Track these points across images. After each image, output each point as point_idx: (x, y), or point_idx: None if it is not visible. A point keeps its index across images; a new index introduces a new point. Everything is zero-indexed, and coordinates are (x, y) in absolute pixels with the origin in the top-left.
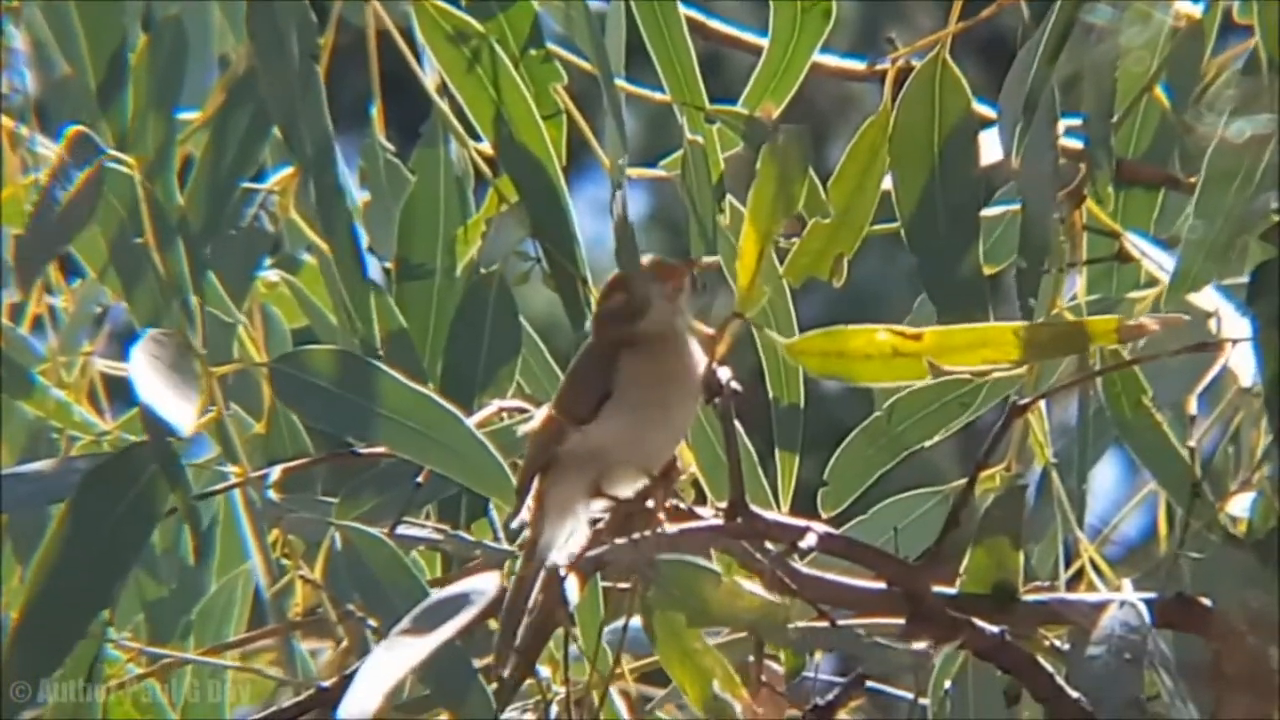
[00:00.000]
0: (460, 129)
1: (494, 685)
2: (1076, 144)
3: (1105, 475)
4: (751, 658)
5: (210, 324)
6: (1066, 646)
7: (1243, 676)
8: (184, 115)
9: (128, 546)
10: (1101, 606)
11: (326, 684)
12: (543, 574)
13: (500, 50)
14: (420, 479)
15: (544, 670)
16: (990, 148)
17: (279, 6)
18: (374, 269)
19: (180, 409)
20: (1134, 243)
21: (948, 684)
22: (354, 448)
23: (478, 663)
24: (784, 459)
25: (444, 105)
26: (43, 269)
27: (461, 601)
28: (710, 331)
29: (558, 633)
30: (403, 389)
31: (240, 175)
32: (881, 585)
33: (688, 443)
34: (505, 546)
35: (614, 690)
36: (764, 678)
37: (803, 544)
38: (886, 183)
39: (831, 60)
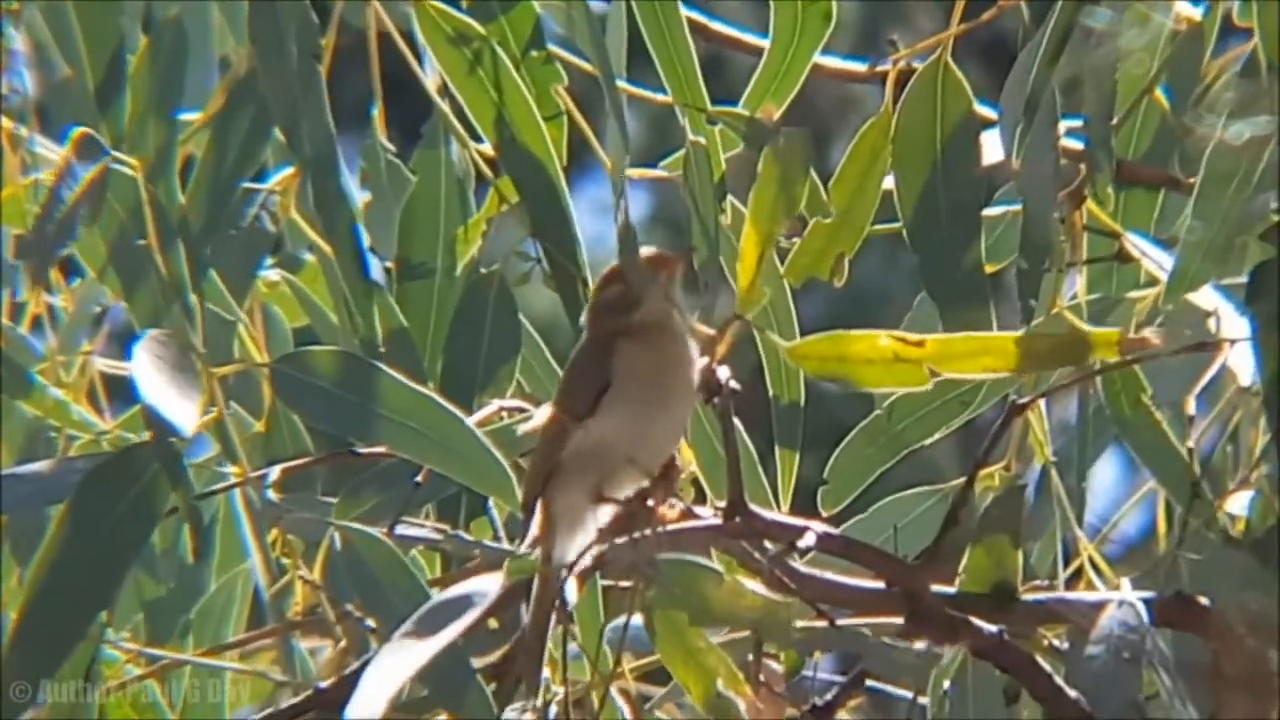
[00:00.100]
0: (461, 130)
1: (493, 686)
2: (1077, 145)
3: (1104, 474)
4: (751, 657)
5: (211, 323)
6: (1065, 646)
7: (1241, 676)
8: (185, 116)
9: (128, 546)
10: (1100, 606)
11: (325, 684)
12: (555, 585)
13: (501, 51)
14: (420, 478)
15: (544, 671)
16: (991, 148)
17: (280, 7)
18: (375, 269)
19: (182, 409)
20: (1134, 243)
21: (947, 684)
22: (354, 447)
23: (477, 663)
24: (784, 457)
25: (445, 106)
26: (54, 262)
27: (465, 603)
28: (711, 332)
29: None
30: (403, 389)
31: (241, 175)
32: (880, 584)
33: (687, 441)
34: (505, 546)
35: (614, 689)
36: (763, 677)
37: (801, 543)
38: (887, 183)
39: (833, 62)
